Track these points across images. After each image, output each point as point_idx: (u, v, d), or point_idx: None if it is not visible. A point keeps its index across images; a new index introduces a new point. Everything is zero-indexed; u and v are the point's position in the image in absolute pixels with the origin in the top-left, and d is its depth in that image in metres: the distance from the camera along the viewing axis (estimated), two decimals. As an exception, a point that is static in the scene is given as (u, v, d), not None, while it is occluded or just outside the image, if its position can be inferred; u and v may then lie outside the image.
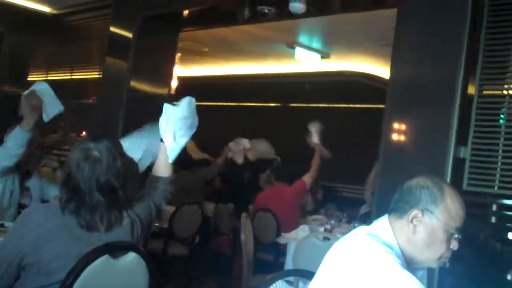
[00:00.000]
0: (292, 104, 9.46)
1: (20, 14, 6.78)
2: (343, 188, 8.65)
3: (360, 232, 1.89)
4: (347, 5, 4.52)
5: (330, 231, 4.75)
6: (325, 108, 8.90)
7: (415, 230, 1.88)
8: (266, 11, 4.71)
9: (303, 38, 6.77)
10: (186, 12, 5.51)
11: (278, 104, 9.66)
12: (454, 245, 1.89)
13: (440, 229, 1.87)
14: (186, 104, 2.66)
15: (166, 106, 2.64)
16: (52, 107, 3.41)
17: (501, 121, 3.36)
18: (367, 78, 7.65)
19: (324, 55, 7.14)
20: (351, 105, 8.49)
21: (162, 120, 2.63)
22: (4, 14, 6.81)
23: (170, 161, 2.62)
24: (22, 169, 3.70)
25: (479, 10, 3.46)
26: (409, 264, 1.90)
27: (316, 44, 6.94)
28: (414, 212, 1.88)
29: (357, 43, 6.54)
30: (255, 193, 6.21)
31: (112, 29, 5.91)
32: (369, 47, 6.52)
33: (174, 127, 2.62)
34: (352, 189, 8.36)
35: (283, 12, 4.61)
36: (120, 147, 2.35)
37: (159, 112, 5.01)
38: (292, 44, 6.86)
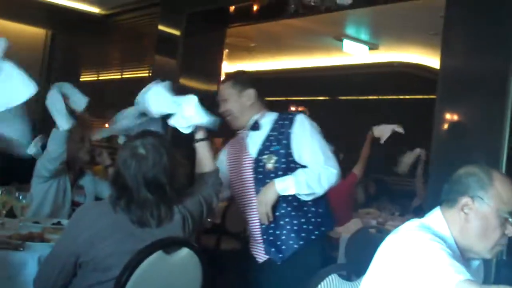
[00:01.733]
0: (341, 97, 9.40)
1: (70, 15, 6.91)
2: (396, 180, 8.54)
3: (412, 224, 1.87)
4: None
5: (383, 224, 4.69)
6: (375, 100, 8.81)
7: (467, 219, 1.85)
8: (313, 3, 4.68)
9: (350, 30, 6.71)
10: (232, 8, 5.53)
11: (327, 98, 9.61)
12: (510, 230, 1.85)
13: (492, 214, 1.84)
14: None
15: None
16: (78, 99, 3.43)
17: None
18: (417, 68, 7.53)
19: (373, 47, 7.06)
20: (402, 97, 8.37)
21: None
22: (55, 16, 6.96)
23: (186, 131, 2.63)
24: (74, 168, 3.78)
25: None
26: (464, 254, 1.87)
27: (364, 36, 6.87)
28: (464, 200, 1.86)
29: (406, 33, 6.44)
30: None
31: (160, 27, 6.00)
32: (418, 37, 6.41)
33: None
34: (405, 181, 8.24)
35: (329, 4, 4.58)
36: (167, 143, 2.38)
37: (209, 109, 4.99)
38: (339, 36, 6.80)
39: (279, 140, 2.90)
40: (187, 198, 2.45)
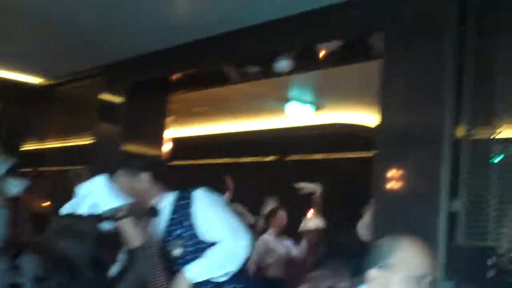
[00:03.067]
0: (288, 158, 9.44)
1: (12, 86, 6.89)
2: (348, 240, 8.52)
3: None
4: (329, 60, 4.55)
5: None
6: (323, 160, 8.86)
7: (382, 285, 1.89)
8: (253, 71, 4.74)
9: (295, 93, 6.79)
10: (175, 76, 5.56)
11: (275, 158, 9.63)
12: None
13: (402, 281, 1.86)
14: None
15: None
16: (14, 185, 3.38)
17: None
18: (361, 127, 7.63)
19: (317, 108, 7.15)
20: (348, 155, 8.45)
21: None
22: (-1, 88, 6.91)
23: None
24: (11, 248, 3.66)
25: (463, 55, 3.48)
26: None
27: (308, 98, 6.95)
28: (373, 272, 1.91)
29: (350, 93, 6.54)
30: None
31: (103, 95, 6.01)
32: (362, 96, 6.51)
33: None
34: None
35: (269, 70, 4.64)
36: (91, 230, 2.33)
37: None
38: (284, 99, 6.88)
39: (181, 222, 2.82)
40: (120, 279, 2.39)
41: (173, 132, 7.28)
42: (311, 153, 8.81)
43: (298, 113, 7.06)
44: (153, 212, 2.89)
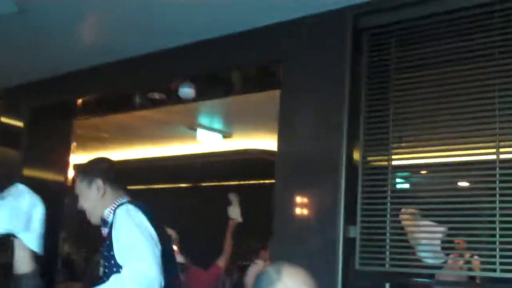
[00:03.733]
0: (202, 184, 9.41)
1: None
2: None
3: None
4: (230, 89, 4.59)
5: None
6: (235, 186, 8.88)
7: None
8: (157, 97, 4.70)
9: (203, 120, 6.80)
10: (79, 101, 5.43)
11: (190, 184, 9.58)
12: None
13: None
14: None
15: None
16: None
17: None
18: (271, 154, 7.71)
19: (226, 135, 7.18)
20: (259, 181, 8.51)
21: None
22: None
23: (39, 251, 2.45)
24: None
25: (357, 83, 3.58)
26: None
27: (217, 125, 6.97)
28: None
29: (258, 120, 6.60)
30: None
31: (3, 119, 5.79)
32: (270, 123, 6.57)
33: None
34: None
35: (173, 97, 4.62)
36: None
37: (57, 202, 4.76)
38: (193, 126, 6.86)
39: (108, 240, 2.69)
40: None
41: (78, 158, 7.10)
42: (225, 179, 8.82)
43: (208, 139, 7.05)
44: (104, 222, 2.76)
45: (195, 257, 6.12)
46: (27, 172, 5.49)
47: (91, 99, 5.33)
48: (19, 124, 5.64)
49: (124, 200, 2.81)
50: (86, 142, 7.57)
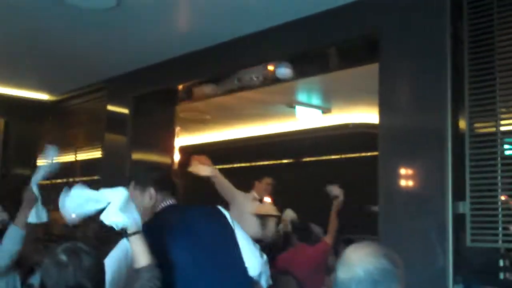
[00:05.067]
0: (304, 159, 9.42)
1: (21, 103, 7.08)
2: (364, 238, 8.47)
3: None
4: (326, 66, 4.53)
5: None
6: (337, 160, 8.84)
7: None
8: (255, 78, 4.72)
9: (302, 97, 6.77)
10: (180, 86, 5.56)
11: (292, 160, 9.63)
12: None
13: None
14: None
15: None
16: (41, 212, 3.40)
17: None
18: (371, 127, 7.59)
19: (325, 110, 7.12)
20: (360, 154, 8.41)
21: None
22: (7, 105, 7.08)
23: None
24: (24, 266, 3.67)
25: (459, 50, 3.43)
26: None
27: (316, 101, 6.92)
28: None
29: (357, 95, 6.51)
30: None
31: (109, 108, 6.08)
32: (368, 97, 6.47)
33: None
34: (371, 237, 8.18)
35: (271, 77, 4.63)
36: (89, 245, 2.29)
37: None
38: (291, 103, 6.85)
39: None
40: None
41: (182, 140, 7.30)
42: (326, 154, 8.79)
43: (307, 116, 7.03)
44: None
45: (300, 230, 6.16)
46: (135, 156, 5.74)
47: (191, 84, 5.44)
48: (125, 111, 5.88)
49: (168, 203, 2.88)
50: (189, 125, 7.77)
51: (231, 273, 2.80)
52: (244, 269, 2.80)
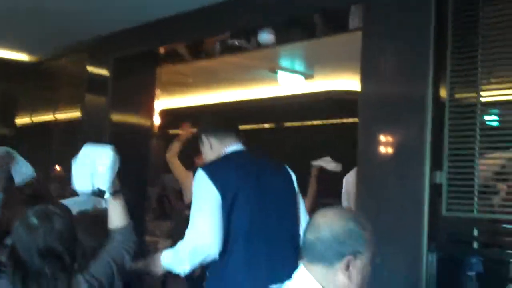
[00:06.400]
0: (286, 124, 9.41)
1: (1, 64, 6.96)
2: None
3: None
4: (310, 33, 4.49)
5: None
6: (319, 125, 8.86)
7: (350, 276, 1.80)
8: (237, 43, 4.68)
9: (285, 62, 6.71)
10: (161, 49, 5.51)
11: (273, 125, 9.61)
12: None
13: (368, 264, 1.83)
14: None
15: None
16: (25, 168, 3.34)
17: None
18: (354, 94, 7.58)
19: (308, 76, 7.08)
20: (342, 121, 8.43)
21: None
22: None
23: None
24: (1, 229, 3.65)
25: (443, 19, 3.43)
26: None
27: (298, 67, 6.88)
28: (346, 259, 1.79)
29: (340, 62, 6.48)
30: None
31: (89, 69, 6.03)
32: (351, 64, 6.45)
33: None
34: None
35: (253, 43, 4.59)
36: (62, 209, 2.28)
37: (144, 145, 4.98)
38: (274, 69, 6.80)
39: None
40: (93, 262, 2.34)
41: (164, 103, 7.26)
42: (308, 119, 8.80)
43: (289, 82, 7.00)
44: None
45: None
46: (114, 117, 5.75)
47: (174, 47, 5.39)
48: (105, 73, 5.84)
49: (232, 148, 2.88)
50: (171, 87, 7.70)
51: (288, 231, 2.82)
52: (298, 235, 2.81)
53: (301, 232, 2.71)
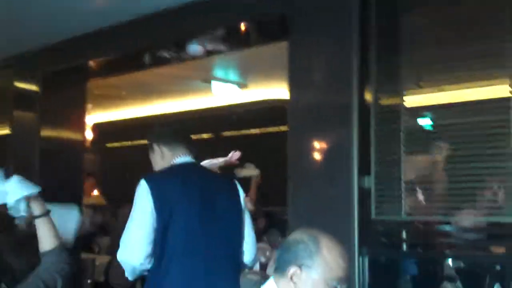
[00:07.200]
0: (224, 134, 9.44)
1: None
2: (284, 211, 8.60)
3: None
4: (239, 43, 4.53)
5: (265, 265, 4.66)
6: (255, 135, 8.91)
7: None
8: (167, 55, 4.66)
9: (218, 72, 6.75)
10: (91, 63, 5.43)
11: (211, 135, 9.62)
12: None
13: (320, 283, 1.83)
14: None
15: None
16: None
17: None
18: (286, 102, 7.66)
19: (242, 85, 7.13)
20: (279, 129, 8.50)
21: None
22: None
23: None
24: None
25: (367, 26, 3.51)
26: None
27: (232, 76, 6.91)
28: (293, 269, 1.84)
29: (272, 71, 6.54)
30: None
31: (17, 84, 5.90)
32: (283, 73, 6.52)
33: None
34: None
35: (182, 55, 4.58)
36: None
37: (76, 160, 4.85)
38: (208, 79, 6.82)
39: None
40: (21, 286, 2.29)
41: (98, 117, 7.17)
42: (245, 128, 8.84)
43: (223, 91, 7.03)
44: None
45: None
46: (44, 133, 5.64)
47: (104, 60, 5.32)
48: (34, 88, 5.73)
49: (181, 160, 2.85)
50: (105, 101, 7.61)
51: (229, 247, 2.78)
52: (240, 252, 2.80)
53: (245, 249, 2.78)
